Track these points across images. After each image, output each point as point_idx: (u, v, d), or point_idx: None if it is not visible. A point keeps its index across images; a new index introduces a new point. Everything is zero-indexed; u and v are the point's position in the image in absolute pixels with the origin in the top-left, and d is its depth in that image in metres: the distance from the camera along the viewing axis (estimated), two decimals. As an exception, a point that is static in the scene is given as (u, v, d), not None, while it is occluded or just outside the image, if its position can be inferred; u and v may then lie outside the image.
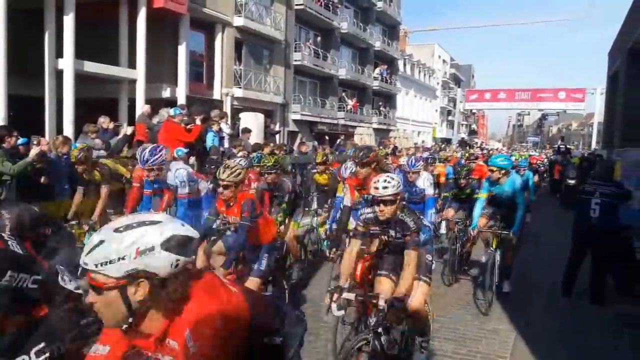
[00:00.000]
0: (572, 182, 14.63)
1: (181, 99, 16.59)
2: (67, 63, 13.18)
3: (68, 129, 13.17)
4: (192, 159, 8.47)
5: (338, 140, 19.87)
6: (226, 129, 10.86)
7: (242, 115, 14.36)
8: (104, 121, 8.97)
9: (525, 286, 6.76)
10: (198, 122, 8.98)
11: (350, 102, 30.67)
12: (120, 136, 8.57)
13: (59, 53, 13.27)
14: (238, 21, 19.56)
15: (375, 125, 33.11)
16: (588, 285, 6.28)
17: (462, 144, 39.71)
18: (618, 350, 4.82)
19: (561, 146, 20.69)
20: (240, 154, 10.04)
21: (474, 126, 68.01)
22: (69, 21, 12.98)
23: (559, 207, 15.02)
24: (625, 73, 13.48)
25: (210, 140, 10.19)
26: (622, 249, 6.42)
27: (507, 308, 5.86)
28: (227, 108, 19.40)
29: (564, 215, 10.39)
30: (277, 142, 14.90)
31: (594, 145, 41.37)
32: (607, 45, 18.87)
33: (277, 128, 20.48)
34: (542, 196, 17.74)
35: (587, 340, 5.03)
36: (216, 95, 19.15)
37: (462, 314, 5.65)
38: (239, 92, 20.01)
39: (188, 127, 8.62)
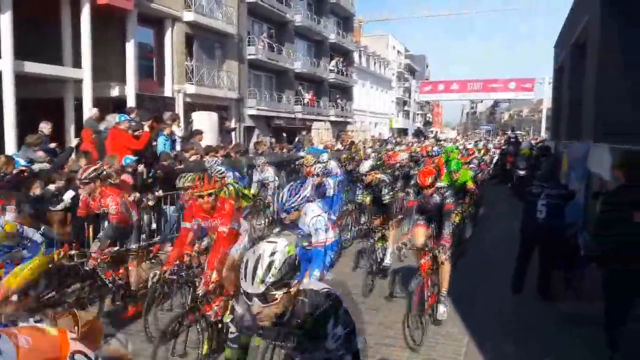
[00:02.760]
0: (522, 172, 15.08)
1: (131, 98, 16.08)
2: (5, 64, 12.51)
3: (10, 134, 12.56)
4: (141, 167, 8.17)
5: (297, 138, 19.76)
6: (178, 132, 10.58)
7: (194, 115, 14.04)
8: (45, 126, 8.54)
9: (477, 283, 6.92)
10: (146, 128, 8.69)
11: (307, 96, 30.58)
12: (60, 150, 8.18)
13: (-3, 54, 12.58)
14: (188, 16, 19.09)
15: (332, 118, 33.18)
16: (536, 282, 6.49)
17: (418, 134, 40.38)
18: (566, 347, 4.98)
19: (512, 137, 21.34)
20: (193, 157, 9.86)
21: (429, 115, 69.15)
22: (5, 20, 12.31)
23: (510, 196, 15.42)
24: (569, 68, 13.94)
25: (161, 144, 9.91)
26: (568, 246, 6.64)
27: (460, 309, 5.97)
28: (179, 105, 18.97)
29: (515, 205, 10.63)
30: (233, 141, 14.65)
31: (543, 130, 42.87)
32: (554, 35, 19.44)
33: (232, 125, 20.24)
34: (493, 186, 18.28)
35: (537, 339, 5.20)
36: (167, 92, 18.66)
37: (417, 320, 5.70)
38: (191, 89, 19.57)
39: (136, 134, 8.32)
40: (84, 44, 14.34)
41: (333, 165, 10.33)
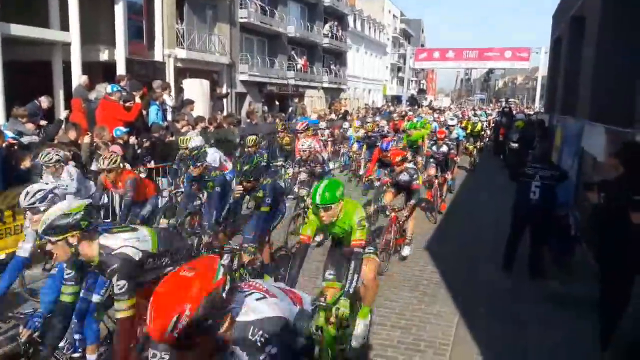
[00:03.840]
0: (514, 145, 15.07)
1: (120, 62, 15.70)
2: (-10, 26, 12.08)
3: (-2, 99, 12.24)
4: (132, 138, 8.05)
5: (290, 108, 19.53)
6: (169, 101, 10.41)
7: (185, 82, 13.77)
8: (45, 101, 8.29)
9: (468, 260, 7.01)
10: (137, 99, 8.52)
11: (300, 61, 30.08)
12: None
13: (-21, 16, 12.14)
14: (179, -23, 18.47)
15: (325, 85, 32.79)
16: (527, 260, 6.59)
17: (412, 101, 40.11)
18: (556, 327, 5.09)
19: (505, 108, 21.21)
20: (185, 128, 9.74)
21: (423, 82, 68.57)
22: (-11, -20, 11.82)
23: (503, 169, 15.47)
24: (567, 40, 13.76)
25: (153, 114, 9.75)
26: (560, 226, 6.72)
27: (451, 287, 6.06)
28: (170, 70, 18.59)
29: (508, 180, 10.66)
30: (225, 111, 14.43)
31: (537, 99, 42.70)
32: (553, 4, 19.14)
33: (224, 91, 19.93)
34: (485, 158, 18.34)
35: (527, 319, 5.30)
36: (158, 57, 18.21)
37: (408, 297, 5.80)
38: (182, 53, 19.13)
39: (127, 104, 8.15)
40: (72, 6, 13.83)
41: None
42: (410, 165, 7.44)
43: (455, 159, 11.59)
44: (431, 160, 10.07)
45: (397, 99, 47.92)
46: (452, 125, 14.45)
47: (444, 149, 10.03)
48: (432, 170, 9.76)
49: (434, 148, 10.20)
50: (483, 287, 6.15)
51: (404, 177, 7.19)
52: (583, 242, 7.10)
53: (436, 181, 9.47)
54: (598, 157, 7.15)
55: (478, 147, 16.28)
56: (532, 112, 24.65)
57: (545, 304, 5.66)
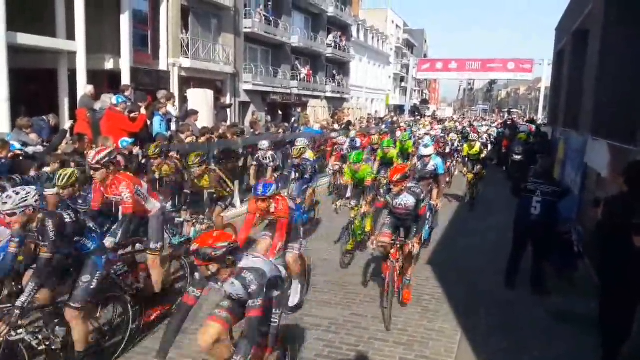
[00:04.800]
0: (518, 157, 15.09)
1: (125, 71, 15.85)
2: (-3, 36, 12.20)
3: (3, 108, 12.33)
4: (136, 149, 8.09)
5: (293, 118, 19.58)
6: (173, 111, 10.44)
7: (189, 92, 13.83)
8: (52, 119, 8.36)
9: (470, 275, 7.00)
10: (143, 110, 8.57)
11: (304, 71, 30.20)
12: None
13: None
14: (184, -13, 18.65)
15: (329, 94, 32.91)
16: (530, 276, 6.58)
17: (414, 112, 40.16)
18: (558, 344, 5.07)
19: (508, 120, 21.25)
20: (189, 139, 9.77)
21: (426, 92, 68.73)
22: (-3, -10, 11.94)
23: (506, 180, 15.45)
24: (570, 53, 13.80)
25: (157, 124, 9.77)
26: (562, 241, 6.71)
27: (453, 303, 6.04)
28: (174, 79, 18.72)
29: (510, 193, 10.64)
30: (228, 120, 14.50)
31: (540, 110, 42.73)
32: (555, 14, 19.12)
33: (228, 101, 20.03)
34: (489, 170, 18.30)
35: (530, 335, 5.28)
36: (162, 66, 18.37)
37: (410, 312, 5.78)
38: (186, 63, 19.27)
39: (132, 115, 8.20)
40: (78, 16, 14.02)
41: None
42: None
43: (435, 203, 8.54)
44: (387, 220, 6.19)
45: (399, 109, 48.00)
46: (427, 156, 9.44)
47: (408, 200, 5.81)
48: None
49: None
50: (485, 302, 6.13)
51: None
52: (586, 257, 7.10)
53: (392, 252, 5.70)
54: (602, 173, 7.15)
55: (478, 173, 11.94)
56: (539, 122, 24.51)
57: (548, 320, 5.64)
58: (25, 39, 12.91)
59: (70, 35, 14.20)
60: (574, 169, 9.61)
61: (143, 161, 8.45)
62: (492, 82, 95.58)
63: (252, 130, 13.01)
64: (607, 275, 4.88)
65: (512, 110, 48.46)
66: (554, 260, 6.84)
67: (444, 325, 5.49)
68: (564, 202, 6.88)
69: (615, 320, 4.72)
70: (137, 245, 5.53)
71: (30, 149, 6.72)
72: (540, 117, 36.07)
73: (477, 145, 12.43)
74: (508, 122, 21.02)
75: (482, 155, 12.41)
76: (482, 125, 22.26)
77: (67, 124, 8.34)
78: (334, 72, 35.64)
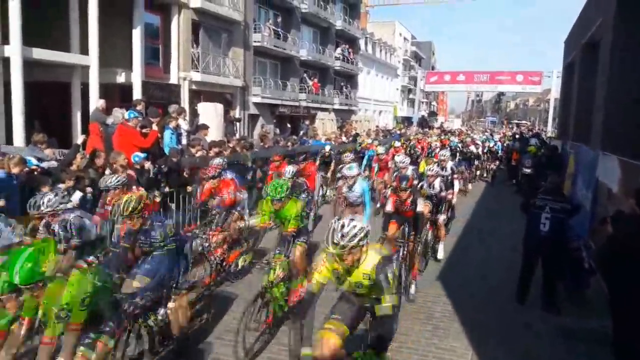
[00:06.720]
0: (528, 170, 15.03)
1: (137, 85, 16.02)
2: (14, 50, 12.41)
3: (18, 120, 12.51)
4: (148, 164, 8.16)
5: (301, 131, 19.67)
6: (184, 125, 10.54)
7: (200, 106, 13.99)
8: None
9: (481, 292, 6.95)
10: (155, 127, 8.66)
11: (311, 82, 30.34)
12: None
13: (4, 39, 12.48)
14: (195, 2, 18.90)
15: (337, 106, 33.04)
16: (540, 293, 6.53)
17: (422, 124, 40.14)
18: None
19: (517, 134, 21.19)
20: (199, 153, 9.86)
21: (434, 104, 68.77)
22: (14, 6, 12.17)
23: (515, 194, 15.38)
24: (580, 67, 13.80)
25: (167, 138, 9.88)
26: (572, 259, 6.66)
27: (465, 321, 6.00)
28: (184, 93, 18.90)
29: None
30: (237, 134, 14.59)
31: (550, 123, 42.57)
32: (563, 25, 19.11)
33: (237, 115, 20.18)
34: (499, 183, 18.26)
35: (542, 354, 5.24)
36: (173, 79, 18.56)
37: (421, 330, 5.75)
38: (197, 76, 19.45)
39: (144, 131, 8.30)
40: (92, 30, 14.21)
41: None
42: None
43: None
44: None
45: (407, 120, 48.03)
46: (351, 177, 8.29)
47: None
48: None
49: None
50: (497, 319, 6.08)
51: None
52: (598, 274, 7.03)
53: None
54: (613, 189, 7.12)
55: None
56: (548, 135, 24.34)
57: (559, 339, 5.59)
58: (41, 53, 13.12)
59: (84, 50, 14.41)
60: (585, 184, 9.56)
61: (154, 176, 8.55)
62: (501, 94, 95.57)
63: (261, 144, 13.09)
64: (619, 293, 4.86)
65: (520, 123, 48.32)
66: (565, 277, 6.79)
67: (455, 344, 5.46)
68: (576, 219, 6.84)
69: (628, 339, 4.69)
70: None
71: (45, 164, 6.81)
72: (550, 129, 35.94)
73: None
74: (516, 136, 20.94)
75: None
76: (488, 139, 22.02)
77: (79, 138, 8.43)
78: (342, 84, 35.79)
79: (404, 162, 10.05)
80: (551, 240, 6.34)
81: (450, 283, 7.33)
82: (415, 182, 8.18)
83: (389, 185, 9.72)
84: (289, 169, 8.83)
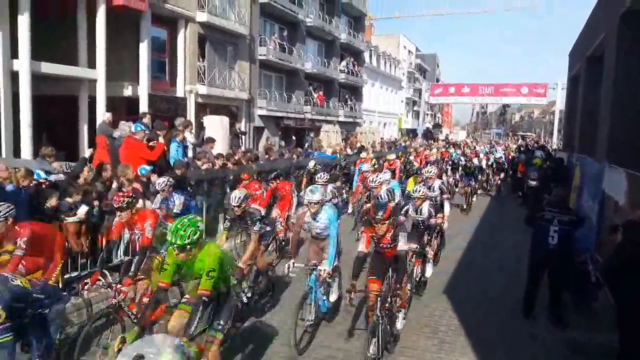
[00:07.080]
0: (533, 183, 15.00)
1: (143, 98, 16.16)
2: (22, 65, 12.56)
3: (26, 133, 12.63)
4: (154, 176, 8.21)
5: (306, 144, 19.73)
6: (190, 138, 10.60)
7: (206, 119, 14.07)
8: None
9: (487, 305, 6.91)
10: (161, 139, 8.73)
11: (315, 95, 30.49)
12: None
13: (13, 54, 12.64)
14: (201, 16, 19.07)
15: (341, 119, 33.16)
16: (547, 306, 6.49)
17: (427, 136, 40.17)
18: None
19: (522, 147, 21.17)
20: (205, 166, 9.91)
21: (439, 115, 68.84)
22: (23, 21, 12.35)
23: (520, 206, 15.33)
24: (584, 79, 13.82)
25: (174, 150, 9.94)
26: (580, 271, 6.63)
27: (470, 335, 5.97)
28: (191, 105, 19.02)
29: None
30: (243, 146, 14.66)
31: (555, 135, 42.48)
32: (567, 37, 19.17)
33: (242, 128, 20.29)
34: (504, 196, 18.22)
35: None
36: (180, 92, 18.70)
37: (427, 345, 5.72)
38: (203, 89, 19.58)
39: (150, 144, 8.36)
40: (99, 45, 14.38)
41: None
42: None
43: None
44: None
45: (412, 133, 48.09)
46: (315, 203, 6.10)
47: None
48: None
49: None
50: (502, 333, 6.05)
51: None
52: (605, 287, 6.98)
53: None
54: (620, 201, 7.09)
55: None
56: (554, 147, 24.25)
57: (566, 352, 5.55)
58: (49, 67, 13.28)
59: (91, 64, 14.57)
60: (591, 196, 9.52)
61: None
62: (506, 106, 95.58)
63: (266, 157, 13.14)
64: (626, 305, 4.82)
65: (525, 135, 48.23)
66: (572, 290, 6.75)
67: (460, 359, 5.42)
68: (582, 231, 6.82)
69: (634, 351, 4.64)
70: None
71: (52, 177, 6.87)
72: (555, 141, 35.86)
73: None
74: (522, 149, 20.92)
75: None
76: (491, 151, 21.97)
77: (87, 151, 8.50)
78: (347, 97, 35.95)
79: (375, 180, 8.60)
80: (559, 253, 6.32)
81: (455, 297, 7.29)
82: (394, 203, 6.72)
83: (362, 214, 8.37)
84: (235, 194, 6.53)
